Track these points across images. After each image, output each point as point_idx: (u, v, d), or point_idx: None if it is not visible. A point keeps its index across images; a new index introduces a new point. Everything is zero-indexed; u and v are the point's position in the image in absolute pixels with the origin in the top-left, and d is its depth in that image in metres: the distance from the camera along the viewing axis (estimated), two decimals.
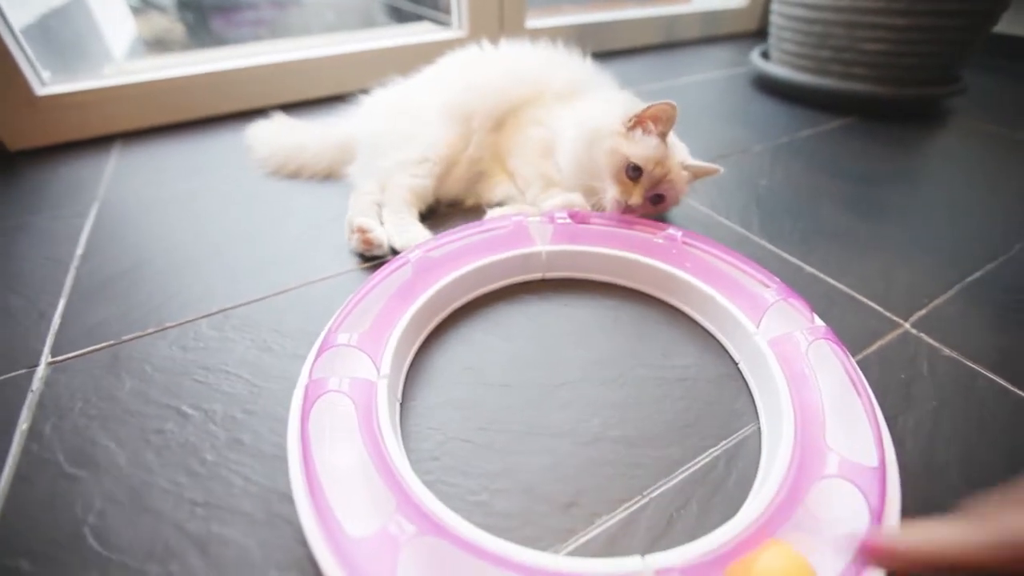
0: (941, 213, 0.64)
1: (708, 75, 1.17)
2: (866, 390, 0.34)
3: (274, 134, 0.75)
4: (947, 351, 0.44)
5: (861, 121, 0.92)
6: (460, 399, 0.39)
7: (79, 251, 0.56)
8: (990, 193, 0.69)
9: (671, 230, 0.48)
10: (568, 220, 0.50)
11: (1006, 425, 0.37)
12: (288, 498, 0.32)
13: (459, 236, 0.48)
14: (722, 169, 0.56)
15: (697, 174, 0.55)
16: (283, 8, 1.68)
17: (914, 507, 0.32)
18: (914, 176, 0.74)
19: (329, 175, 0.72)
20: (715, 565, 0.25)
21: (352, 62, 0.98)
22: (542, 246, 0.49)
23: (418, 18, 1.42)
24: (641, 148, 0.52)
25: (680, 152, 0.56)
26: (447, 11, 1.11)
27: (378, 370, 0.36)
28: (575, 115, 0.58)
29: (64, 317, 0.47)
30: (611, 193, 0.52)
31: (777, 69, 1.03)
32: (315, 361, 0.35)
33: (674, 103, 0.50)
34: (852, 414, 0.32)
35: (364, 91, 0.72)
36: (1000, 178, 0.73)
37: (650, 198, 0.54)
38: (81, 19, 1.15)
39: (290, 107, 0.90)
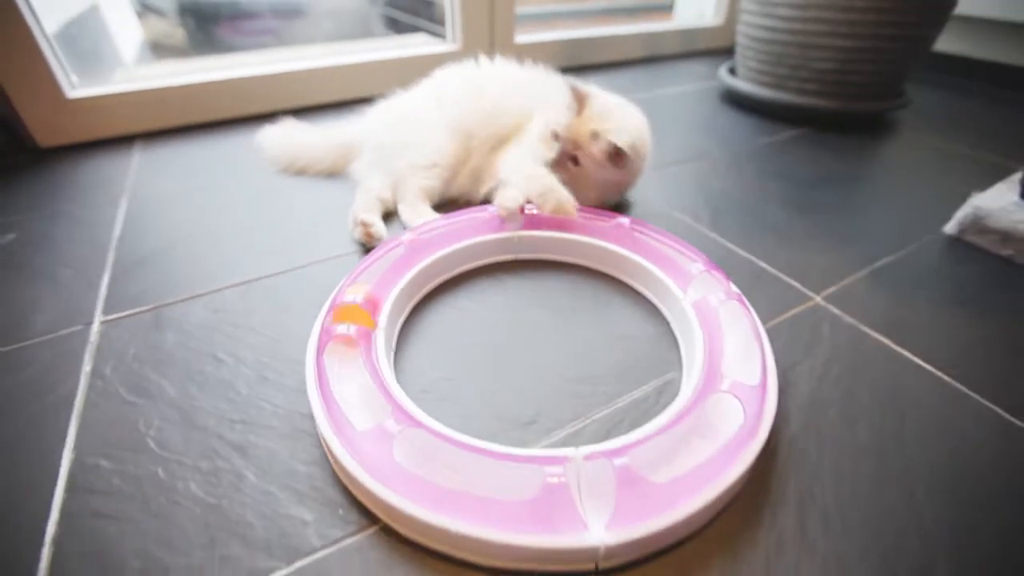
0: (867, 211, 0.74)
1: (684, 88, 1.27)
2: (761, 336, 0.43)
3: (283, 136, 0.84)
4: (848, 319, 0.53)
5: (813, 132, 1.02)
6: (444, 349, 0.48)
7: (116, 234, 0.65)
8: (914, 195, 0.79)
9: (621, 219, 0.57)
10: (536, 211, 0.59)
11: (883, 373, 0.47)
12: (308, 418, 0.41)
13: (445, 223, 0.57)
14: (623, 146, 0.59)
15: (604, 148, 0.60)
16: (286, 18, 1.77)
17: (796, 428, 0.41)
18: (851, 180, 0.83)
19: (332, 172, 0.80)
20: (626, 450, 0.33)
21: (354, 72, 1.07)
22: (515, 231, 0.58)
23: (414, 29, 1.51)
24: (560, 119, 0.63)
25: (610, 119, 0.63)
26: (442, 23, 1.20)
27: (376, 323, 0.44)
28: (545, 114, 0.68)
29: (110, 286, 0.56)
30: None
31: (741, 84, 1.13)
32: (327, 315, 0.44)
33: (577, 85, 0.64)
34: (748, 352, 0.41)
35: (365, 99, 0.81)
36: (927, 183, 0.83)
37: (570, 158, 0.63)
38: (95, 26, 1.24)
39: (296, 112, 0.98)
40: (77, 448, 0.39)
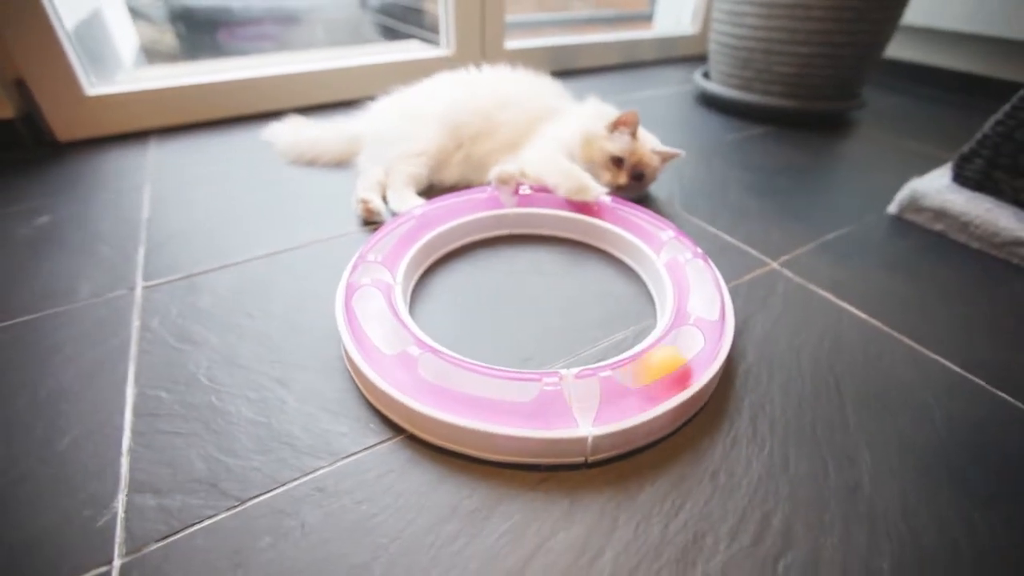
0: (821, 196, 0.83)
1: (661, 91, 1.37)
2: (721, 286, 0.51)
3: (292, 131, 0.91)
4: (798, 279, 0.61)
5: (777, 129, 1.11)
6: (450, 306, 0.55)
7: (145, 215, 0.71)
8: (864, 183, 0.88)
9: (603, 198, 0.65)
10: (530, 191, 0.67)
11: (825, 319, 0.55)
12: (336, 358, 0.48)
13: (450, 201, 0.65)
14: (683, 153, 0.76)
15: (665, 157, 0.75)
16: (282, 24, 1.84)
17: (752, 359, 0.49)
18: (808, 170, 0.93)
19: (338, 163, 0.87)
20: (608, 368, 0.41)
21: (355, 75, 1.14)
22: (510, 209, 0.66)
23: (406, 36, 1.59)
24: (619, 145, 0.71)
25: (651, 141, 0.75)
26: (432, 30, 1.28)
27: (394, 278, 0.51)
28: (567, 123, 0.76)
29: (146, 258, 0.62)
30: (605, 178, 0.71)
31: (713, 86, 1.23)
32: (352, 271, 0.51)
33: (636, 111, 0.70)
34: (709, 297, 0.48)
35: (366, 98, 0.88)
36: (877, 173, 0.93)
37: (633, 176, 0.73)
38: (99, 29, 1.29)
39: (300, 110, 1.05)
40: (138, 383, 0.45)
